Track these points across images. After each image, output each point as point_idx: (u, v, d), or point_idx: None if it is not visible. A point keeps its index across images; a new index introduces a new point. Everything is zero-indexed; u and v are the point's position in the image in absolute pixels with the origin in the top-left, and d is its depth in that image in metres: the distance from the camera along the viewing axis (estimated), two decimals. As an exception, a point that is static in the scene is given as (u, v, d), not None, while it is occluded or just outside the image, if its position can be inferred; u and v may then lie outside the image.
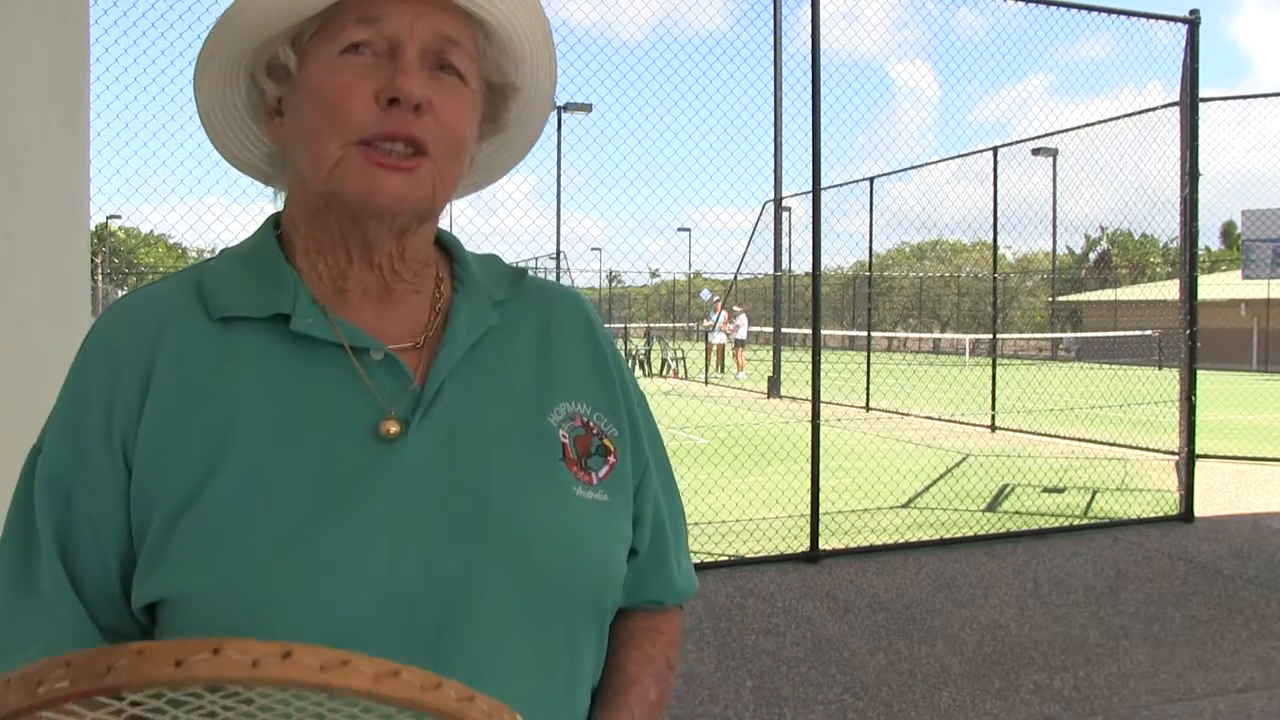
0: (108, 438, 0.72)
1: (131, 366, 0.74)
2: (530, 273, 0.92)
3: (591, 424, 0.84)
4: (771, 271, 16.99)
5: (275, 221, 0.85)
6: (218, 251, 0.87)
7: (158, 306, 0.78)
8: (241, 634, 0.66)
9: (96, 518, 0.72)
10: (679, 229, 27.56)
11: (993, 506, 7.03)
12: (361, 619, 0.68)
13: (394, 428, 0.74)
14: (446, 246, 0.88)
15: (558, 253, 12.43)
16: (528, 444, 0.80)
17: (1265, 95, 9.58)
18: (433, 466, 0.75)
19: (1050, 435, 10.89)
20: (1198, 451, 6.85)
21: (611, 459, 0.84)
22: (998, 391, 11.50)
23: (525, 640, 0.74)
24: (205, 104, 0.83)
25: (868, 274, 14.68)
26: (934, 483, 8.00)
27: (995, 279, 12.58)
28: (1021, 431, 11.26)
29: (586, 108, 11.14)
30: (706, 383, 19.00)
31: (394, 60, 0.74)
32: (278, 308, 0.76)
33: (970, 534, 6.03)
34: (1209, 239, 43.79)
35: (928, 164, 13.63)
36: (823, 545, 5.54)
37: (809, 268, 6.06)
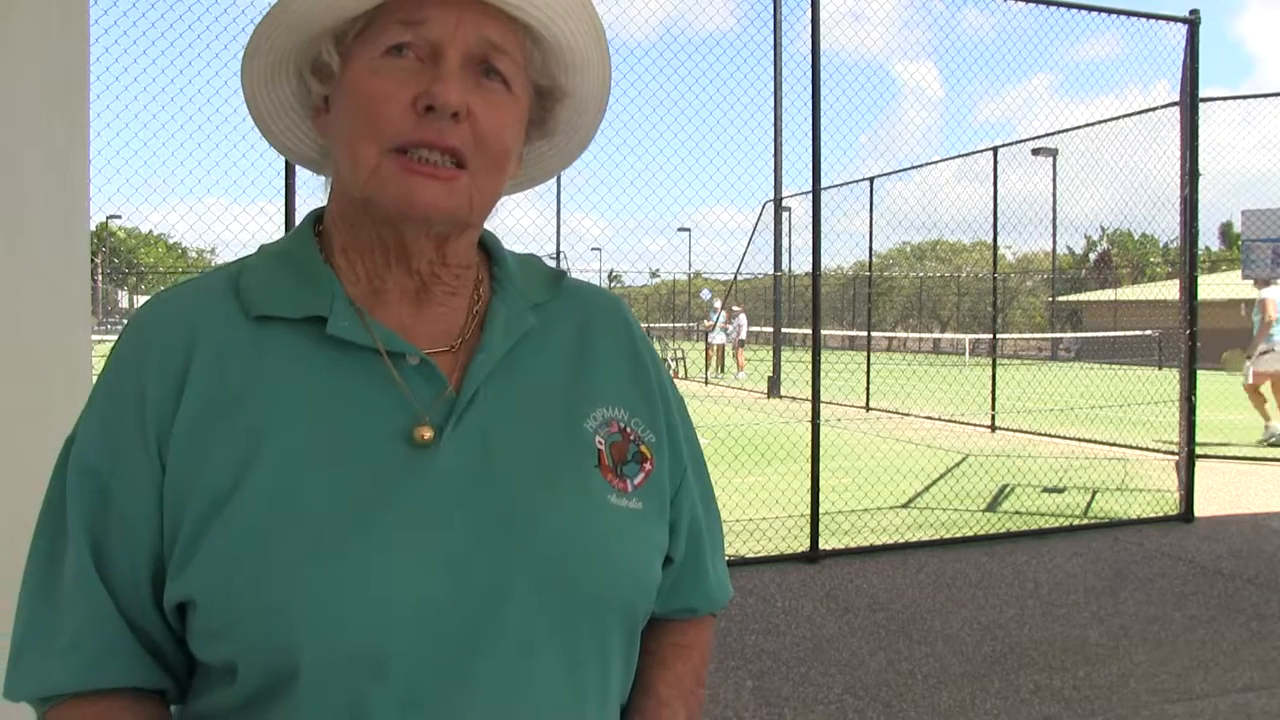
0: (143, 434, 0.72)
1: (166, 364, 0.74)
2: (569, 275, 0.91)
3: (628, 430, 0.83)
4: (771, 271, 16.98)
5: (316, 217, 0.84)
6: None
7: (194, 304, 0.77)
8: (270, 636, 0.67)
9: (130, 514, 0.72)
10: (679, 229, 27.52)
11: (993, 506, 7.02)
12: (390, 624, 0.68)
13: (427, 433, 0.74)
14: (486, 247, 0.87)
15: (558, 253, 12.42)
16: (562, 450, 0.79)
17: (1266, 95, 9.58)
18: (465, 473, 0.74)
19: (1050, 435, 10.88)
20: (1198, 451, 6.85)
21: (648, 466, 0.83)
22: (998, 391, 11.49)
23: (554, 649, 0.73)
24: (252, 96, 0.82)
25: (868, 274, 14.68)
26: (934, 483, 8.00)
27: (995, 279, 12.57)
28: (1021, 431, 11.25)
29: (587, 108, 11.12)
30: (706, 383, 19.00)
31: (435, 65, 0.73)
32: (314, 309, 0.76)
33: (970, 534, 6.03)
34: (1210, 239, 43.78)
35: (928, 164, 13.63)
36: (823, 545, 5.54)
37: (809, 268, 6.06)
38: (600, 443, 0.81)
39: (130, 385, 0.74)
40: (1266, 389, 9.91)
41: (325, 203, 0.86)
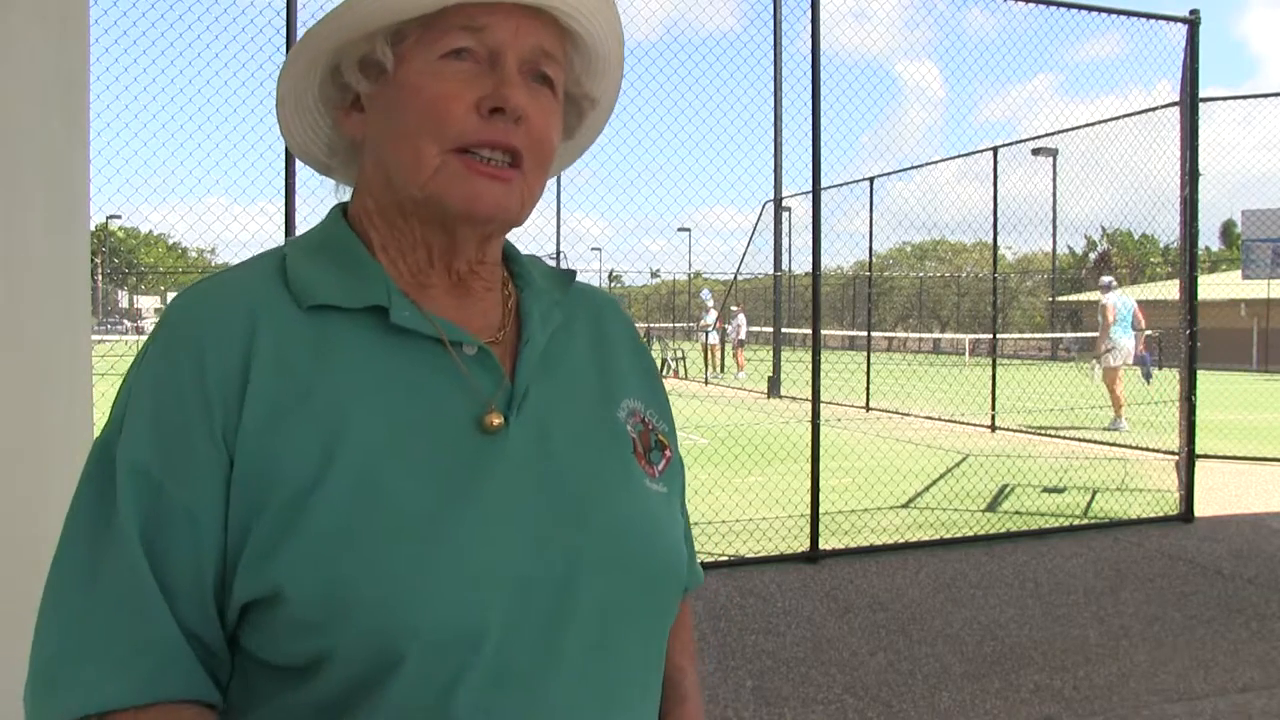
0: (208, 427, 0.70)
1: (227, 354, 0.72)
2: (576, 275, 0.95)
3: (648, 420, 0.88)
4: (771, 271, 16.98)
5: (342, 211, 0.84)
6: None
7: (243, 294, 0.76)
8: (380, 622, 0.67)
9: (196, 510, 0.69)
10: (679, 229, 27.53)
11: (993, 506, 7.02)
12: (486, 607, 0.70)
13: (497, 420, 0.76)
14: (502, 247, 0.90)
15: (558, 253, 12.42)
16: (607, 439, 0.83)
17: (1266, 95, 9.58)
18: (531, 458, 0.77)
19: (1050, 435, 10.88)
20: (1198, 451, 6.85)
21: (668, 453, 0.88)
22: (998, 391, 11.49)
23: (630, 621, 0.78)
24: (284, 92, 0.83)
25: (868, 274, 14.68)
26: (934, 483, 8.00)
27: (995, 279, 12.57)
28: (1021, 431, 11.26)
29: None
30: (706, 383, 19.01)
31: (494, 69, 0.76)
32: (373, 299, 0.77)
33: (970, 534, 6.03)
34: (1210, 239, 43.74)
35: (928, 164, 13.63)
36: (823, 545, 5.54)
37: (809, 268, 6.06)
38: (632, 431, 0.85)
39: (186, 378, 0.71)
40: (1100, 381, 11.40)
41: (337, 201, 0.86)
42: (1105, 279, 11.99)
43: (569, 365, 0.85)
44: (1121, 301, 11.37)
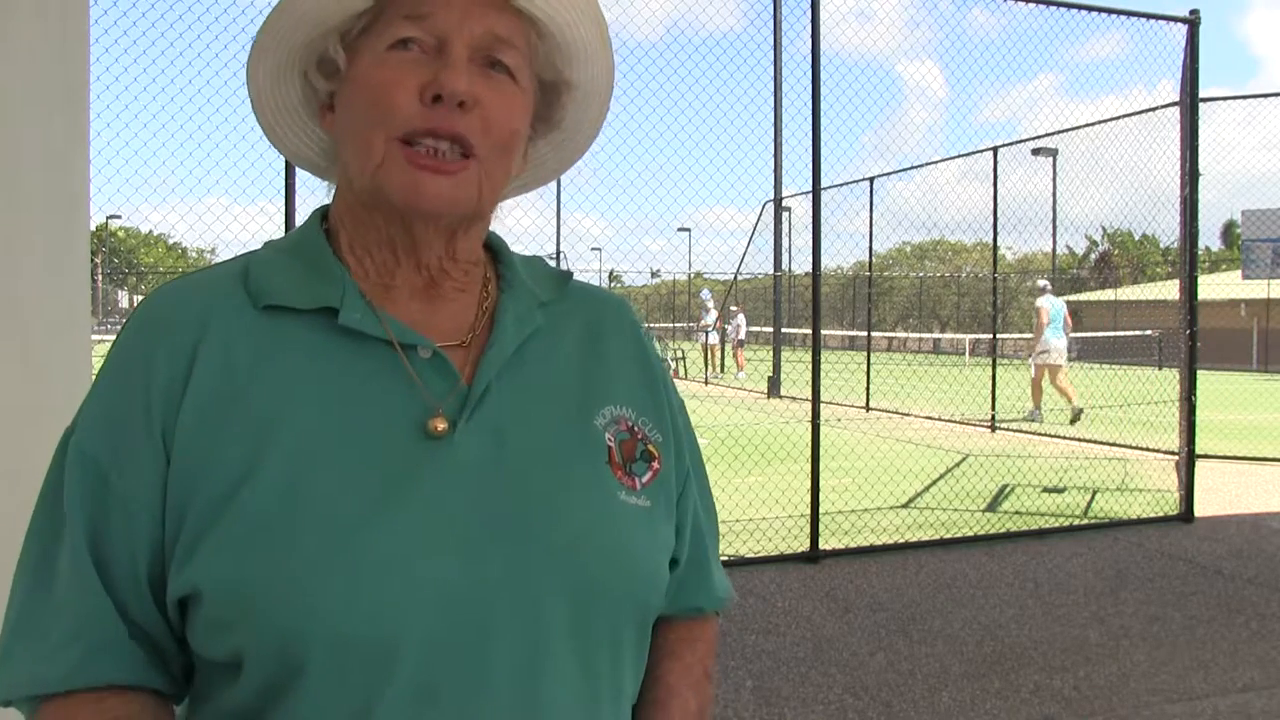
0: (147, 422, 0.71)
1: (174, 351, 0.73)
2: (574, 276, 0.91)
3: (636, 429, 0.83)
4: (771, 271, 16.98)
5: (322, 214, 0.84)
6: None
7: (202, 293, 0.76)
8: (282, 625, 0.67)
9: (132, 503, 0.71)
10: (679, 229, 27.51)
11: (993, 506, 7.02)
12: (406, 617, 0.68)
13: (441, 425, 0.73)
14: (492, 247, 0.88)
15: (558, 253, 12.42)
16: (574, 447, 0.79)
17: (1267, 95, 9.58)
18: (480, 466, 0.74)
19: (1050, 435, 10.88)
20: (1198, 451, 6.85)
21: (656, 465, 0.83)
22: (998, 391, 11.49)
23: (568, 644, 0.73)
24: (258, 97, 0.82)
25: (868, 274, 14.68)
26: (934, 483, 8.00)
27: (995, 279, 12.57)
28: (1022, 431, 11.26)
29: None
30: (706, 383, 19.00)
31: (441, 57, 0.74)
32: (325, 300, 0.76)
33: (970, 534, 6.03)
34: (1211, 239, 43.76)
35: (928, 164, 13.63)
36: (823, 545, 5.54)
37: (809, 268, 6.06)
38: (610, 440, 0.81)
39: (135, 372, 0.73)
40: (1045, 382, 11.88)
41: (328, 201, 0.85)
42: (1041, 282, 12.58)
43: (546, 370, 0.81)
44: (1054, 304, 11.95)
